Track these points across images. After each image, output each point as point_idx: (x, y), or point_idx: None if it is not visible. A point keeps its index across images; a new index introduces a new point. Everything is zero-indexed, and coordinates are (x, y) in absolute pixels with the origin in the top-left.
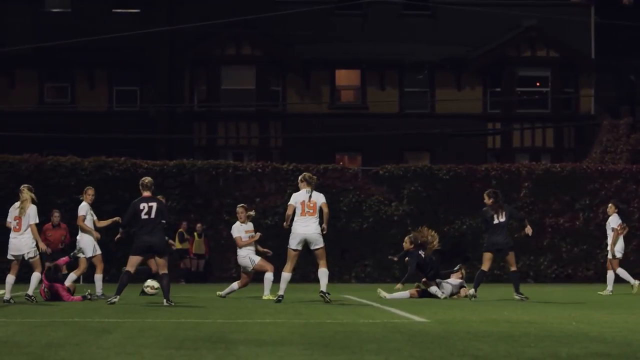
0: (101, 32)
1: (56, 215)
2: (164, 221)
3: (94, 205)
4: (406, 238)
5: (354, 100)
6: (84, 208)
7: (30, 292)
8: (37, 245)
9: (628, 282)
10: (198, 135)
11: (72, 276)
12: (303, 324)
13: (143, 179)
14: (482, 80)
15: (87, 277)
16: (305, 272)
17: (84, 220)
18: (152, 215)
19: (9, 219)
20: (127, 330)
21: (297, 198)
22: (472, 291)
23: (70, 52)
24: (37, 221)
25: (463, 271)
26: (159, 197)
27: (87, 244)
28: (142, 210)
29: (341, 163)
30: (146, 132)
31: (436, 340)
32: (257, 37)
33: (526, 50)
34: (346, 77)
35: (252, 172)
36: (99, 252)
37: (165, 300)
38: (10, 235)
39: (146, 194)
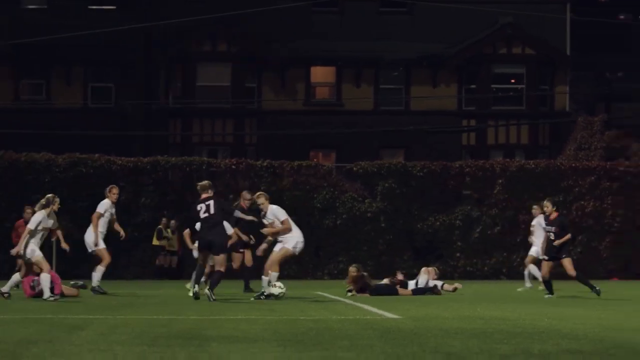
0: (77, 29)
1: (28, 212)
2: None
3: (68, 204)
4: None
5: (329, 97)
6: (104, 206)
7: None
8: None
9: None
10: (173, 132)
11: (100, 268)
12: (276, 321)
13: (199, 183)
14: (458, 77)
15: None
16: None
17: (98, 218)
18: (212, 212)
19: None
20: (100, 327)
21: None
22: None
23: (46, 49)
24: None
25: (436, 269)
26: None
27: (90, 239)
28: (200, 210)
29: (315, 160)
30: (121, 129)
31: (408, 337)
32: (234, 34)
33: (502, 48)
34: (322, 74)
35: (226, 169)
36: (102, 246)
37: (209, 292)
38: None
39: (205, 195)
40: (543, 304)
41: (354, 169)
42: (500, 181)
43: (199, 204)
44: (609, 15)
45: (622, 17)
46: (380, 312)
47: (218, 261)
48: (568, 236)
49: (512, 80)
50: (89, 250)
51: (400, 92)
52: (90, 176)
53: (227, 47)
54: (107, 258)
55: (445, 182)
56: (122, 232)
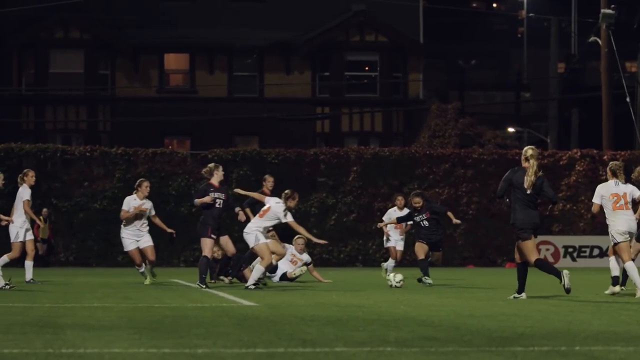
0: None
1: None
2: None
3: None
4: None
5: (183, 84)
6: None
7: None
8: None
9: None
10: (26, 119)
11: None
12: (131, 309)
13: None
14: (311, 64)
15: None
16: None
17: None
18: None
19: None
20: None
21: None
22: None
23: None
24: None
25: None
26: None
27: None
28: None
29: (170, 147)
30: None
31: (264, 324)
32: (86, 21)
33: (355, 35)
34: (175, 61)
35: (81, 156)
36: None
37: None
38: None
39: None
40: (398, 291)
41: (209, 156)
42: (355, 168)
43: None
44: (461, 4)
45: (474, 5)
46: (237, 299)
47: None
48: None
49: (366, 68)
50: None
51: (254, 80)
52: None
53: (79, 33)
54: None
55: (301, 169)
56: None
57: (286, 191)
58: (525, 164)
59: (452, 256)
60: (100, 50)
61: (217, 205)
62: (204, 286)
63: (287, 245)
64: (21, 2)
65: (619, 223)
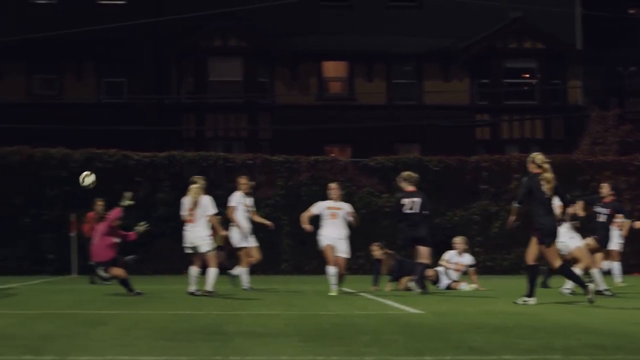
0: (87, 24)
1: (100, 204)
2: (426, 212)
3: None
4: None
5: (342, 92)
6: (235, 198)
7: (209, 287)
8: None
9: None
10: (187, 127)
11: (241, 269)
12: (298, 316)
13: (404, 173)
14: (470, 71)
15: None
16: (297, 264)
17: (233, 212)
18: (417, 209)
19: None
20: (121, 322)
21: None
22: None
23: (57, 44)
24: (216, 211)
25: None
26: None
27: (236, 236)
28: (403, 205)
29: (332, 154)
30: (134, 124)
31: (431, 332)
32: (244, 29)
33: (513, 42)
34: (334, 69)
35: (243, 164)
36: (249, 245)
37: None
38: (185, 227)
39: (410, 188)
40: (563, 299)
41: (370, 163)
42: (517, 175)
43: (404, 197)
44: (619, 10)
45: (632, 11)
46: (403, 307)
47: (424, 253)
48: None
49: (524, 75)
50: (236, 246)
51: (412, 87)
52: (106, 171)
53: (237, 41)
54: (257, 256)
55: (462, 176)
56: (260, 221)
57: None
58: (536, 170)
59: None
60: (259, 58)
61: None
62: (421, 290)
63: (450, 252)
64: (180, 11)
65: None
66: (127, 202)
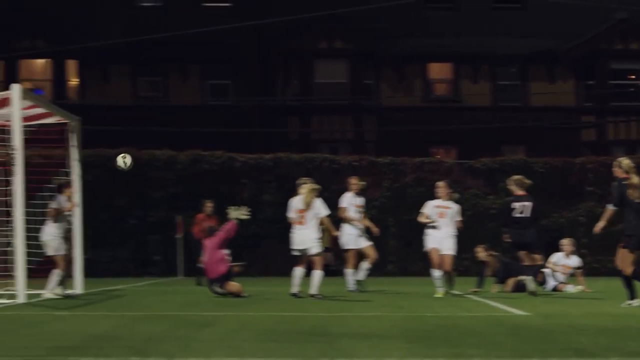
0: (192, 26)
1: (209, 206)
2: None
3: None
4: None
5: (447, 94)
6: (346, 199)
7: (314, 290)
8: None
9: None
10: (292, 129)
11: (349, 270)
12: (404, 318)
13: (514, 177)
14: (575, 73)
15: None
16: (403, 266)
17: (345, 212)
18: (527, 214)
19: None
20: (228, 324)
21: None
22: None
23: (162, 46)
24: (328, 213)
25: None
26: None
27: (348, 236)
28: (514, 209)
29: (437, 156)
30: (239, 126)
31: (537, 334)
32: (349, 31)
33: (618, 43)
34: (439, 71)
35: (348, 165)
36: (360, 246)
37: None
38: (294, 229)
39: (520, 192)
40: None
41: (476, 165)
42: None
43: (514, 201)
44: None
45: None
46: (509, 308)
47: (535, 258)
48: None
49: (630, 76)
50: (346, 247)
51: (517, 88)
52: (212, 173)
53: (342, 43)
54: (373, 254)
55: (568, 178)
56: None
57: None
58: (623, 175)
59: None
60: (364, 60)
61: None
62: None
63: (558, 254)
64: (286, 13)
65: None
66: (242, 216)
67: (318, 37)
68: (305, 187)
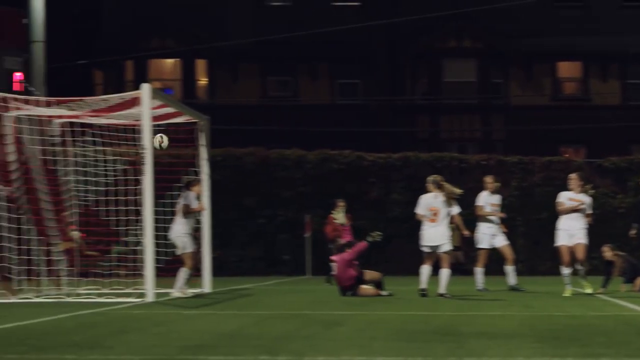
0: (321, 25)
1: (341, 205)
2: None
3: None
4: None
5: (577, 92)
6: (482, 198)
7: (442, 290)
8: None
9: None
10: (421, 128)
11: (479, 269)
12: (532, 317)
13: None
14: None
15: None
16: (531, 265)
17: (481, 211)
18: None
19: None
20: (357, 323)
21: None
22: None
23: (291, 46)
24: (460, 211)
25: None
26: None
27: (482, 235)
28: None
29: (566, 155)
30: (367, 125)
31: None
32: (478, 30)
33: None
34: (567, 69)
35: (477, 164)
36: (491, 246)
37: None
38: (425, 226)
39: None
40: None
41: (604, 164)
42: None
43: None
44: None
45: None
46: (639, 308)
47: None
48: None
49: None
50: (479, 246)
51: None
52: (341, 172)
53: (471, 42)
54: (510, 254)
55: None
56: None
57: None
58: None
59: None
60: (493, 59)
61: None
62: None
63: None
64: (415, 12)
65: None
66: (376, 238)
67: (447, 36)
68: (445, 186)
